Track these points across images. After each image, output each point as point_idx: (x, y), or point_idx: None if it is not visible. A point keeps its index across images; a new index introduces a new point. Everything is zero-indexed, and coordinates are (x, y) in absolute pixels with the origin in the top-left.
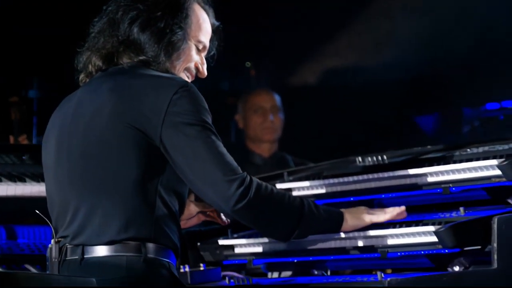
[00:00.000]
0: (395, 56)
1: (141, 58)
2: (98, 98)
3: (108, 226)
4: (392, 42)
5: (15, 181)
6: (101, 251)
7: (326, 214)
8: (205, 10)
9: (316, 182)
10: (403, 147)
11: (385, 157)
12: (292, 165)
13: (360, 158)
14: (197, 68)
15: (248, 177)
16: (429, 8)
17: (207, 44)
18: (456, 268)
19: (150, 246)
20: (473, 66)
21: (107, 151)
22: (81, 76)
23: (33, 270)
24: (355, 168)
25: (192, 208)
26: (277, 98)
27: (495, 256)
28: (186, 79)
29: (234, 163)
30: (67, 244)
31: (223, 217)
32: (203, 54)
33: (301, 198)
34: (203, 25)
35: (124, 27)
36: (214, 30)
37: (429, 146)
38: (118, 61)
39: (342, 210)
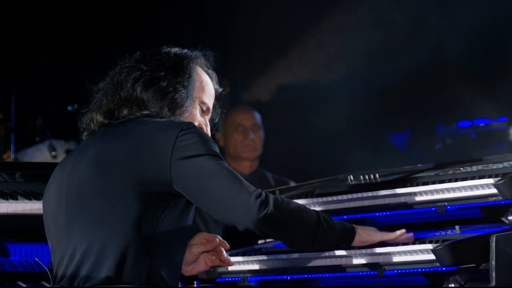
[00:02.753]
0: (360, 71)
1: (144, 112)
2: (101, 144)
3: (105, 265)
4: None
5: (7, 199)
6: None
7: (340, 226)
8: (208, 74)
9: (309, 200)
10: (374, 165)
11: (377, 175)
12: (273, 182)
13: (351, 177)
14: (200, 129)
15: (263, 191)
16: (386, 22)
17: (211, 106)
18: (452, 286)
19: None
20: (439, 83)
21: (108, 194)
22: (84, 134)
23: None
24: (348, 187)
25: (194, 250)
26: (257, 116)
27: (494, 274)
28: None
29: (247, 182)
30: None
31: (225, 254)
32: (207, 117)
33: (314, 209)
34: (206, 87)
35: (127, 87)
36: (217, 97)
37: (419, 165)
38: (118, 115)
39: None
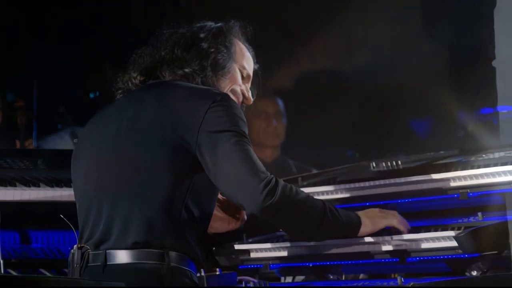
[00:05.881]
0: (383, 59)
1: (186, 70)
2: (138, 106)
3: (132, 229)
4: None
5: (29, 186)
6: (124, 257)
7: (347, 218)
8: (245, 47)
9: (330, 187)
10: (397, 152)
11: (399, 162)
12: (294, 170)
13: (374, 163)
14: (242, 94)
15: (274, 178)
16: (407, 9)
17: (251, 73)
18: (474, 273)
19: (173, 254)
20: (463, 70)
21: (140, 157)
22: (119, 92)
23: (48, 274)
24: (370, 173)
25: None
26: (280, 103)
27: None
28: None
29: (262, 166)
30: (89, 250)
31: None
32: (247, 85)
33: (322, 200)
34: (246, 54)
35: (167, 48)
36: (254, 74)
37: (442, 152)
38: (159, 74)
39: (359, 213)
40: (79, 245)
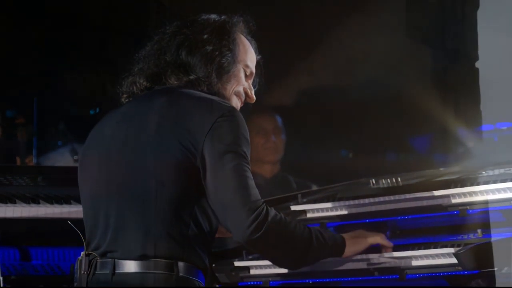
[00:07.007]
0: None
1: (191, 77)
2: (145, 114)
3: (140, 242)
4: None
5: (29, 203)
6: (133, 266)
7: (331, 241)
8: (248, 40)
9: (330, 204)
10: (397, 169)
11: (399, 179)
12: (294, 186)
13: (373, 180)
14: (245, 93)
15: (265, 210)
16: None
17: (254, 70)
18: None
19: (182, 265)
20: (460, 86)
21: (148, 166)
22: (124, 96)
23: None
24: (370, 190)
25: None
26: (278, 119)
27: None
28: (237, 102)
29: (257, 194)
30: (97, 258)
31: None
32: (250, 81)
33: (309, 228)
34: (249, 50)
35: (171, 51)
36: (256, 65)
37: (441, 168)
38: (165, 80)
39: (343, 235)
40: (86, 252)
